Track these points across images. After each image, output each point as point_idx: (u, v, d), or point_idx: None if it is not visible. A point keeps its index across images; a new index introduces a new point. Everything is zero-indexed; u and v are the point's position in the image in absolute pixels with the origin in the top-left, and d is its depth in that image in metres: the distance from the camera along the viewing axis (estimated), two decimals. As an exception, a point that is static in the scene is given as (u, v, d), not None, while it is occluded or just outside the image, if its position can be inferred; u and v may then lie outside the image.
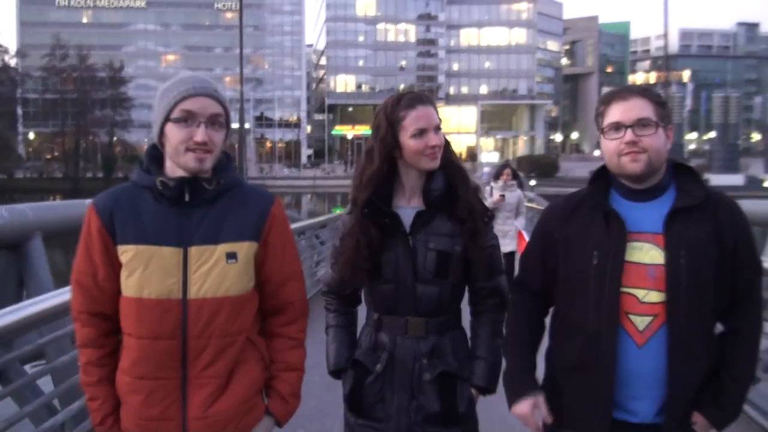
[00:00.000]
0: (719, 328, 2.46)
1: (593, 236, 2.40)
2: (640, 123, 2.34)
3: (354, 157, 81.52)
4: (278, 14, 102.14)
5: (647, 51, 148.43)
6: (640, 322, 2.33)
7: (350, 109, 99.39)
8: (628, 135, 2.33)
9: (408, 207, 2.69)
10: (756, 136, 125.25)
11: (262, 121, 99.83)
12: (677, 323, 2.29)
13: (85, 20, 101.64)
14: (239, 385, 2.34)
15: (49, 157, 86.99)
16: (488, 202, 8.97)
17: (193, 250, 2.24)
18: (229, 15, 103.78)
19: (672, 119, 2.50)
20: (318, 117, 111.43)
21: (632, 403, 2.39)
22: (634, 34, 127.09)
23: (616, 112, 2.37)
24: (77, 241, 2.34)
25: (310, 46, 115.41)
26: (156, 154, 2.34)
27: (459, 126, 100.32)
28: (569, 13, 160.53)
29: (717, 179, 64.10)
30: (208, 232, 2.27)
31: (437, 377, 2.63)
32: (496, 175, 10.29)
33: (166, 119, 2.24)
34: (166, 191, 2.24)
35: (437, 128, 2.63)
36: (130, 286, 2.23)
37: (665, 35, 33.99)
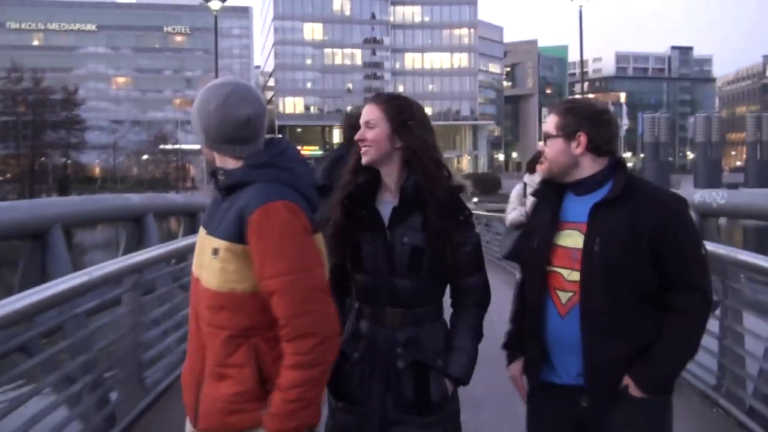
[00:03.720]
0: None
1: (540, 227, 2.77)
2: (545, 135, 2.77)
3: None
4: (227, 38, 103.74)
5: (585, 73, 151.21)
6: (564, 296, 2.65)
7: (299, 130, 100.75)
8: (539, 146, 2.84)
9: (389, 202, 2.76)
10: (690, 155, 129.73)
11: None
12: (589, 299, 2.56)
13: (36, 42, 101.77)
14: (229, 382, 2.31)
15: (0, 178, 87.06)
16: (516, 215, 7.22)
17: (203, 234, 2.40)
18: (178, 38, 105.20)
19: (583, 126, 2.67)
20: (267, 137, 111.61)
21: (560, 366, 2.70)
22: (572, 57, 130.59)
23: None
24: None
25: (258, 68, 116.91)
26: None
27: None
28: (509, 36, 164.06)
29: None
30: (213, 223, 2.35)
31: (411, 366, 2.69)
32: (531, 166, 7.26)
33: None
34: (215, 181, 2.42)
35: (366, 124, 2.73)
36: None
37: (581, 61, 36.93)
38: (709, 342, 5.58)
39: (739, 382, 5.52)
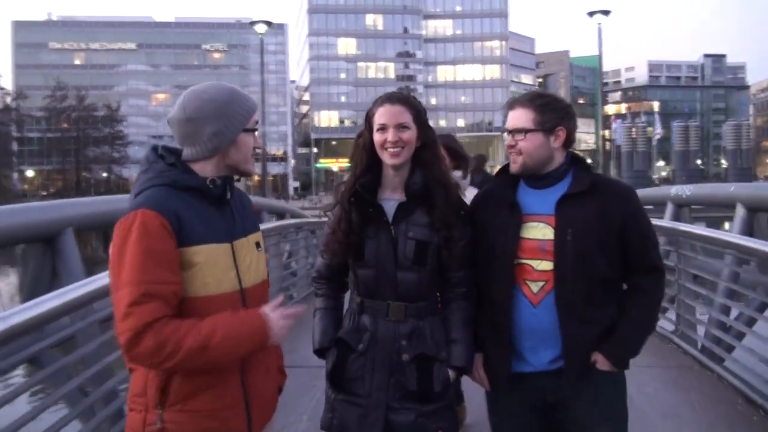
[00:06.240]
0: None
1: (499, 220, 2.79)
2: (516, 130, 2.77)
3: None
4: (264, 53, 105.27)
5: (618, 82, 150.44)
6: (534, 286, 2.71)
7: (334, 142, 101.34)
8: (508, 139, 2.82)
9: (391, 199, 2.79)
10: (724, 162, 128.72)
11: None
12: (563, 287, 2.66)
13: (77, 62, 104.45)
14: (274, 360, 2.56)
15: (44, 193, 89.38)
16: None
17: (237, 244, 2.36)
18: (216, 55, 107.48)
19: (563, 120, 2.78)
20: (302, 151, 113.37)
21: (530, 354, 2.75)
22: (604, 66, 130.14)
23: (507, 119, 2.84)
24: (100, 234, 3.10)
25: (293, 82, 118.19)
26: (178, 158, 2.38)
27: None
28: (541, 47, 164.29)
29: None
30: (240, 226, 2.41)
31: (415, 358, 2.73)
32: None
33: (242, 129, 2.39)
34: (216, 190, 2.34)
35: (400, 126, 2.72)
36: (202, 286, 2.24)
37: (599, 73, 37.99)
38: (759, 347, 6.29)
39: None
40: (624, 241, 2.72)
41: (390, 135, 2.73)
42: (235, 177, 2.48)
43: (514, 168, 2.82)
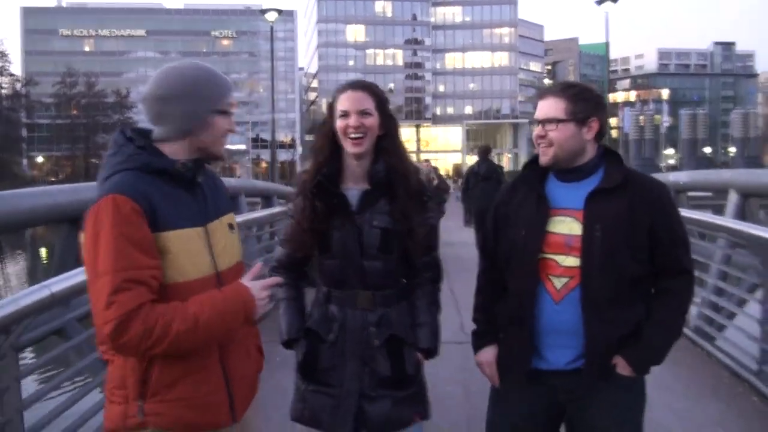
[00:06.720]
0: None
1: (525, 213, 2.71)
2: (547, 120, 2.67)
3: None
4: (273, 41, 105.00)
5: (627, 70, 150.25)
6: (558, 282, 2.63)
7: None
8: (538, 130, 2.70)
9: (355, 188, 2.77)
10: (732, 151, 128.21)
11: (258, 142, 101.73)
12: (589, 284, 2.57)
13: (87, 48, 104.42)
14: (252, 343, 2.50)
15: (53, 179, 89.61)
16: None
17: (210, 227, 2.31)
18: (225, 42, 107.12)
19: (596, 111, 2.69)
20: (310, 138, 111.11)
21: (550, 352, 2.69)
22: (613, 54, 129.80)
23: (537, 109, 2.73)
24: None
25: (301, 69, 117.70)
26: (148, 141, 2.30)
27: (446, 144, 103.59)
28: (550, 35, 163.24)
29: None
30: (212, 208, 2.36)
31: (386, 343, 2.75)
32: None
33: (214, 111, 2.30)
34: (187, 173, 2.27)
35: (362, 112, 2.70)
36: (180, 271, 2.19)
37: (607, 53, 38.03)
38: (749, 326, 6.24)
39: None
40: (653, 239, 2.63)
41: (352, 120, 2.72)
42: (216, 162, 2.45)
43: (544, 160, 2.72)
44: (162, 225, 2.16)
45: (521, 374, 2.74)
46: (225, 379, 2.31)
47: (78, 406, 4.04)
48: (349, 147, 2.74)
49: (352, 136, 2.72)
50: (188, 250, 2.22)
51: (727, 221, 7.58)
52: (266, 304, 2.31)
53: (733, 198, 8.81)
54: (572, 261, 2.62)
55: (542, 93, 2.78)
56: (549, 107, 2.69)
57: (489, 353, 2.90)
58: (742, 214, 8.64)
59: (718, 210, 10.56)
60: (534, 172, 2.80)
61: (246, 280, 2.30)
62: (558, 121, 2.66)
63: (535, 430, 2.81)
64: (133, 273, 2.06)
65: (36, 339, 4.02)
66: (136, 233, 2.10)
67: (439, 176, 20.07)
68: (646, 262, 2.63)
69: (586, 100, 2.69)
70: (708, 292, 7.17)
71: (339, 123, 2.74)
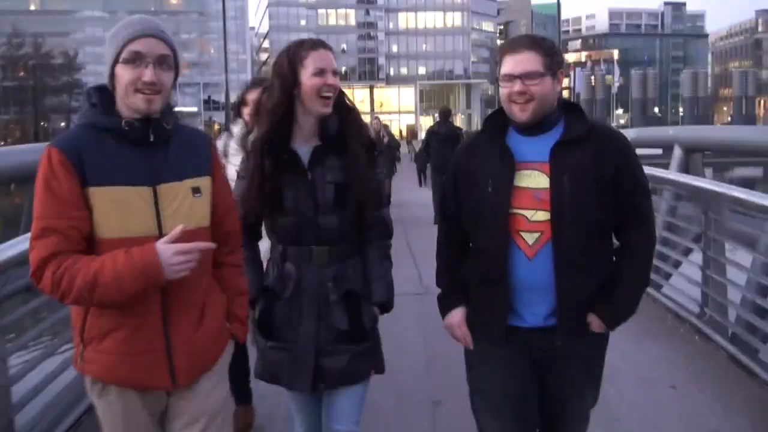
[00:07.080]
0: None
1: (490, 168, 2.65)
2: (527, 74, 2.57)
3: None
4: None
5: (578, 30, 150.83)
6: (530, 237, 2.59)
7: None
8: (518, 85, 2.58)
9: (305, 145, 2.78)
10: (682, 110, 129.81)
11: (209, 104, 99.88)
12: (560, 237, 2.55)
13: (32, 7, 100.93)
14: (214, 311, 2.41)
15: (2, 143, 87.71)
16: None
17: (162, 188, 2.24)
18: (174, 1, 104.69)
19: (561, 64, 2.67)
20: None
21: (526, 309, 2.66)
22: (565, 14, 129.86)
23: (508, 64, 2.62)
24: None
25: (252, 29, 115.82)
26: (104, 97, 2.27)
27: (399, 106, 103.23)
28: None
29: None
30: (172, 170, 2.27)
31: (343, 297, 2.78)
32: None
33: (116, 61, 2.21)
34: (132, 132, 2.22)
35: (335, 72, 2.72)
36: (107, 227, 2.17)
37: (558, 13, 38.35)
38: (692, 272, 6.63)
39: (722, 311, 6.12)
40: (617, 188, 2.62)
41: (330, 78, 2.72)
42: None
43: (523, 116, 2.62)
44: (92, 180, 2.17)
45: (500, 333, 2.70)
46: (165, 340, 2.27)
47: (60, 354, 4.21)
48: (319, 106, 2.74)
49: (325, 94, 2.73)
50: (120, 207, 2.19)
51: (671, 174, 7.94)
52: (180, 269, 2.18)
53: (677, 153, 9.05)
54: (542, 215, 2.59)
55: (511, 47, 2.67)
56: (527, 61, 2.60)
57: (457, 315, 2.86)
58: (685, 168, 8.90)
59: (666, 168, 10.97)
60: (494, 127, 2.76)
61: (160, 243, 2.18)
62: (540, 74, 2.59)
63: (520, 387, 2.78)
64: (51, 221, 2.12)
65: (10, 293, 4.08)
66: (59, 184, 2.14)
67: (390, 134, 20.30)
68: (612, 210, 2.63)
69: (556, 53, 2.66)
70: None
71: (312, 81, 2.72)
